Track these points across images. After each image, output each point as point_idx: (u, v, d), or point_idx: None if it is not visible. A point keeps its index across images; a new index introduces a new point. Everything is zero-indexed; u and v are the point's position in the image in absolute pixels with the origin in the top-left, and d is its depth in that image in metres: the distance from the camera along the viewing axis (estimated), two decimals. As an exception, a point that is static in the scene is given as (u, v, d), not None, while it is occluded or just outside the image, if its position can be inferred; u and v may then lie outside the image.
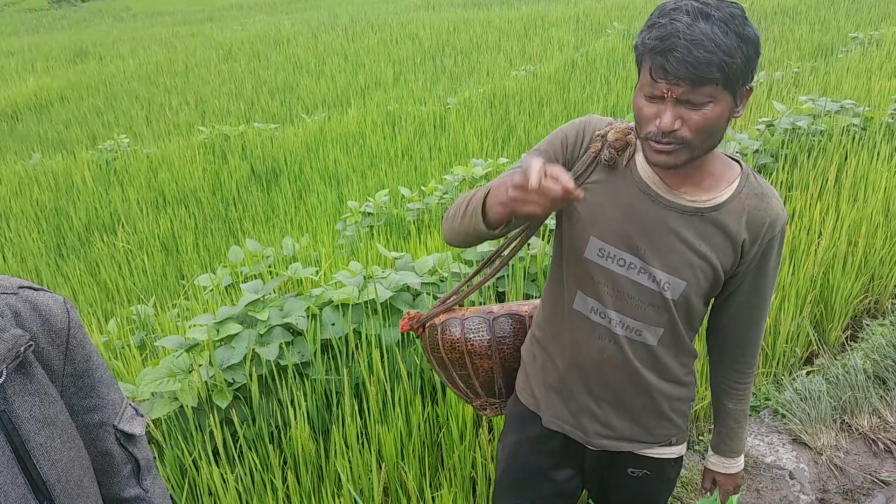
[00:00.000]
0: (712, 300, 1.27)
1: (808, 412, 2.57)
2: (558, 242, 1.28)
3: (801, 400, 2.63)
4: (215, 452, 2.09)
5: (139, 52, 14.81)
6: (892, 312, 3.18)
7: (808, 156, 4.05)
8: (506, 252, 1.41)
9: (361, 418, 2.23)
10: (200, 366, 2.14)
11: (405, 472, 2.05)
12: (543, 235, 2.91)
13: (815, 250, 3.07)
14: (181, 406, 2.06)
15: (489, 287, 2.58)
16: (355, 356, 2.30)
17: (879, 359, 2.79)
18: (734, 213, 1.14)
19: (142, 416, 1.01)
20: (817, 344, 2.98)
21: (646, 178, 1.15)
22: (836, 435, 2.52)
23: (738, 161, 1.19)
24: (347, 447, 2.07)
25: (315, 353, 2.24)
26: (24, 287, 0.84)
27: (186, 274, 4.79)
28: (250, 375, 2.12)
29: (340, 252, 4.04)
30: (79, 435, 0.90)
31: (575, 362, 1.28)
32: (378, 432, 2.09)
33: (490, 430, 2.21)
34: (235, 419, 2.01)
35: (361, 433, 2.18)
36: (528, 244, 2.70)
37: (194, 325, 2.27)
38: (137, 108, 10.38)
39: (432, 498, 2.04)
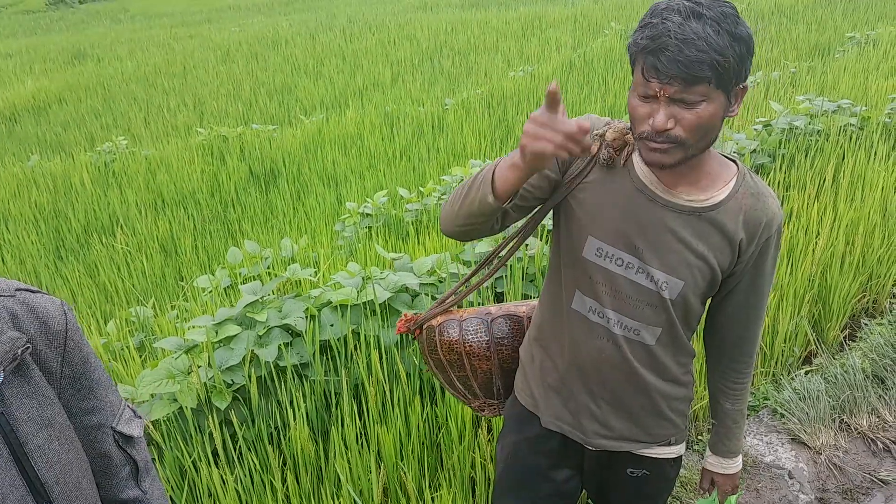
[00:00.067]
0: (709, 300, 1.28)
1: (807, 412, 2.57)
2: (556, 242, 1.28)
3: (800, 399, 2.63)
4: (215, 454, 2.09)
5: (137, 53, 14.80)
6: (891, 312, 3.18)
7: (806, 156, 4.05)
8: (503, 252, 1.42)
9: (360, 419, 2.23)
10: (199, 367, 2.14)
11: (404, 473, 2.05)
12: (541, 236, 2.91)
13: (813, 250, 3.07)
14: (180, 407, 2.06)
15: (487, 287, 2.58)
16: (354, 357, 2.30)
17: (878, 358, 2.80)
18: (731, 212, 1.14)
19: (140, 417, 1.01)
20: (816, 343, 2.98)
21: (643, 178, 1.15)
22: (835, 434, 2.52)
23: (734, 161, 1.19)
24: (347, 448, 2.07)
25: (314, 354, 2.24)
26: (22, 289, 0.85)
27: (185, 275, 4.79)
28: (249, 377, 2.12)
29: (339, 253, 4.04)
30: (77, 437, 0.90)
31: (574, 362, 1.29)
32: (377, 433, 2.09)
33: (489, 430, 2.22)
34: (235, 420, 2.01)
35: (361, 434, 2.18)
36: (526, 244, 2.70)
37: (193, 327, 2.27)
38: (136, 109, 10.38)
39: (431, 498, 2.04)
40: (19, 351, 0.79)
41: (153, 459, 2.02)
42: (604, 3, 14.93)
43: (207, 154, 7.15)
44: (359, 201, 5.11)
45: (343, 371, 2.21)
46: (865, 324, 3.11)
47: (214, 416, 2.03)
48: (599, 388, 1.29)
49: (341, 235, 4.53)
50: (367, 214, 4.58)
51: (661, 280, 1.16)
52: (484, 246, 2.72)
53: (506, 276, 2.61)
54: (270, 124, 8.44)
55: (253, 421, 2.14)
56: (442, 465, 2.18)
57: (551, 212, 1.27)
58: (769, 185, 3.71)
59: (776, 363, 2.84)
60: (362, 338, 2.30)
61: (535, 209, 1.28)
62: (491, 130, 7.28)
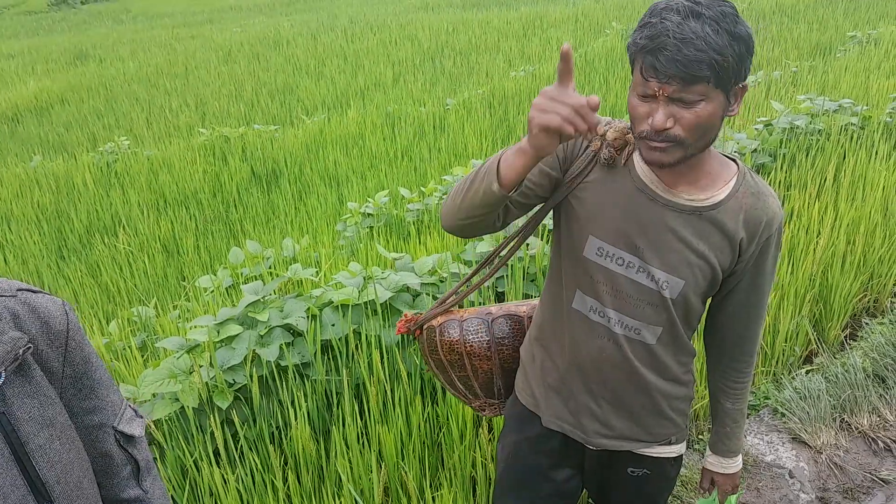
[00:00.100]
0: (710, 299, 1.28)
1: (808, 411, 2.57)
2: (557, 242, 1.29)
3: (801, 399, 2.63)
4: (216, 453, 2.10)
5: (139, 54, 14.82)
6: (892, 311, 3.18)
7: (807, 155, 4.05)
8: (504, 252, 1.42)
9: (362, 419, 2.24)
10: (201, 367, 2.15)
11: (405, 473, 2.05)
12: (542, 235, 2.91)
13: (814, 249, 3.07)
14: (182, 407, 2.07)
15: (489, 287, 2.59)
16: (355, 357, 2.30)
17: (879, 357, 2.79)
18: (732, 211, 1.15)
19: (141, 417, 1.01)
20: (816, 343, 2.98)
21: (644, 177, 1.15)
22: (836, 433, 2.52)
23: (734, 160, 1.19)
24: (348, 447, 2.07)
25: (315, 353, 2.25)
26: (23, 289, 0.85)
27: (187, 275, 4.80)
28: (251, 376, 2.13)
29: (340, 253, 4.04)
30: (78, 436, 0.90)
31: (574, 362, 1.29)
32: (378, 432, 2.10)
33: (490, 429, 2.22)
34: (236, 420, 2.02)
35: (362, 433, 2.18)
36: (527, 244, 2.71)
37: (195, 327, 2.28)
38: (138, 110, 10.39)
39: (432, 498, 2.05)
40: (21, 351, 0.79)
41: (155, 459, 2.03)
42: (605, 2, 14.92)
43: (209, 154, 7.16)
44: (360, 201, 5.11)
45: (344, 371, 2.22)
46: (866, 323, 3.11)
47: (216, 415, 2.04)
48: (600, 388, 1.29)
49: (343, 235, 4.53)
50: (369, 214, 4.59)
51: (662, 279, 1.17)
52: (485, 245, 2.72)
53: (507, 275, 2.61)
54: (272, 124, 8.44)
55: (254, 420, 2.15)
56: (443, 465, 2.19)
57: (551, 211, 1.28)
58: (770, 184, 3.71)
59: (777, 362, 2.84)
60: (363, 337, 2.30)
61: (536, 209, 1.28)
62: (492, 130, 7.28)
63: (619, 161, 1.17)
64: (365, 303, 2.38)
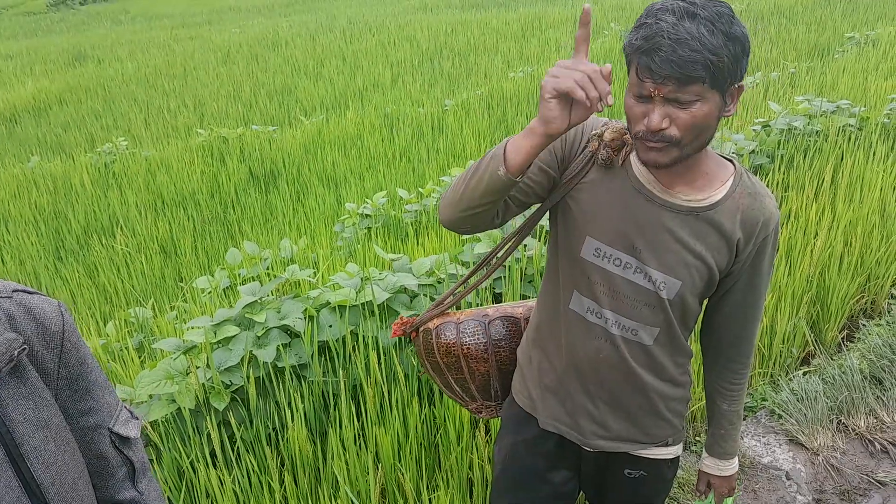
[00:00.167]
0: (707, 300, 1.28)
1: (805, 412, 2.58)
2: (554, 243, 1.29)
3: (798, 400, 2.63)
4: (213, 454, 2.10)
5: (137, 55, 14.81)
6: (889, 313, 3.19)
7: (804, 156, 4.05)
8: (501, 253, 1.42)
9: (359, 420, 2.23)
10: (198, 368, 2.15)
11: (402, 474, 2.05)
12: (539, 236, 2.91)
13: (812, 251, 3.08)
14: (179, 408, 2.07)
15: (486, 288, 2.59)
16: (352, 358, 2.30)
17: (876, 359, 2.80)
18: (728, 212, 1.15)
19: (137, 418, 1.01)
20: (814, 344, 2.98)
21: (641, 178, 1.16)
22: (833, 435, 2.52)
23: (731, 161, 1.20)
24: (345, 449, 2.07)
25: (312, 354, 2.25)
26: (18, 290, 0.85)
27: (185, 276, 4.79)
28: (248, 377, 2.12)
29: (338, 254, 4.04)
30: (73, 438, 0.90)
31: (571, 363, 1.29)
32: (375, 434, 2.09)
33: (487, 431, 2.22)
34: (233, 421, 2.02)
35: (359, 435, 2.18)
36: (525, 245, 2.71)
37: (192, 328, 2.28)
38: (136, 111, 10.38)
39: (429, 499, 2.05)
40: (16, 352, 0.79)
41: (151, 460, 2.03)
42: (603, 3, 14.93)
43: (207, 155, 7.16)
44: (358, 202, 5.11)
45: (341, 372, 2.22)
46: (863, 325, 3.11)
47: (213, 416, 2.03)
48: (597, 389, 1.29)
49: (340, 236, 4.53)
50: (367, 215, 4.59)
51: (659, 280, 1.17)
52: (482, 246, 2.72)
53: (504, 276, 2.61)
54: (270, 125, 8.44)
55: (251, 422, 2.15)
56: (440, 467, 2.18)
57: (548, 212, 1.28)
58: (768, 185, 3.72)
59: (774, 364, 2.84)
60: (360, 339, 2.30)
61: (533, 209, 1.28)
62: (491, 131, 7.28)
63: (617, 161, 1.17)
64: (362, 304, 2.38)
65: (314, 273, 2.84)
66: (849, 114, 4.53)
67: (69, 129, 9.88)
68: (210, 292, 3.22)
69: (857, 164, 3.82)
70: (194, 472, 2.00)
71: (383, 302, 2.38)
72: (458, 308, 1.57)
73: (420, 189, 4.81)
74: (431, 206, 4.45)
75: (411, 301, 2.46)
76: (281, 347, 2.20)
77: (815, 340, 3.00)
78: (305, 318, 2.33)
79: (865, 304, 3.26)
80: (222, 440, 2.07)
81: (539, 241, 2.81)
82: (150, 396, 2.11)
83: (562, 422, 1.34)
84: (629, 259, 1.17)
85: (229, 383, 2.14)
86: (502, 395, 1.54)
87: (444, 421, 2.17)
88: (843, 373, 2.72)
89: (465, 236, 3.04)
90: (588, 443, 1.34)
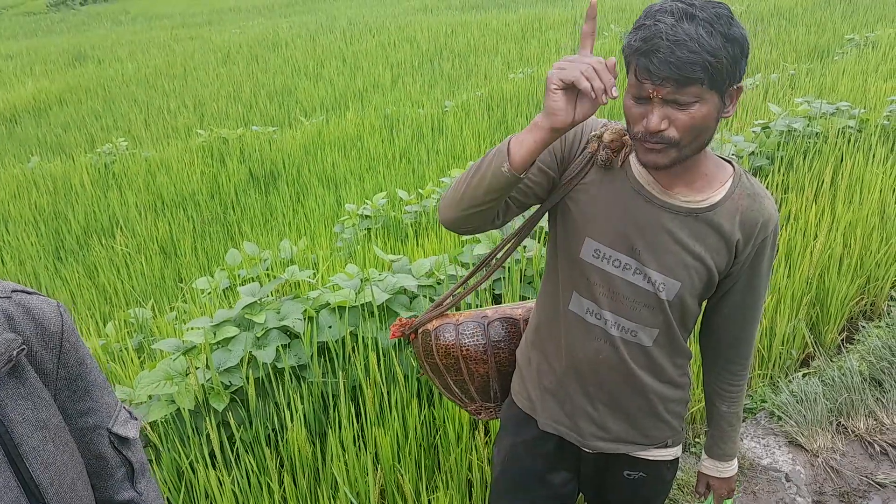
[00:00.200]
0: (706, 301, 1.28)
1: (805, 414, 2.58)
2: (553, 244, 1.29)
3: (797, 402, 2.63)
4: (212, 455, 2.10)
5: (138, 55, 14.81)
6: (888, 314, 3.19)
7: (804, 158, 4.06)
8: (500, 254, 1.42)
9: (358, 421, 2.23)
10: (197, 369, 2.15)
11: (401, 475, 2.05)
12: (539, 237, 2.91)
13: (811, 252, 3.08)
14: (178, 409, 2.07)
15: (485, 290, 2.59)
16: (352, 359, 2.30)
17: (875, 361, 2.80)
18: (728, 213, 1.15)
19: (136, 419, 1.01)
20: (813, 346, 2.98)
21: (640, 179, 1.16)
22: (833, 437, 2.52)
23: (730, 162, 1.20)
24: (344, 450, 2.07)
25: (312, 355, 2.25)
26: (18, 291, 0.85)
27: (184, 277, 4.79)
28: (247, 378, 2.12)
29: (338, 255, 4.04)
30: (72, 438, 0.90)
31: (571, 364, 1.29)
32: (374, 435, 2.09)
33: (486, 432, 2.22)
34: (232, 422, 2.02)
35: (358, 436, 2.18)
36: (524, 246, 2.71)
37: (191, 328, 2.28)
38: (136, 111, 10.38)
39: (428, 501, 2.05)
40: (14, 352, 0.79)
41: (150, 461, 2.03)
42: (603, 5, 14.94)
43: (207, 156, 7.15)
44: (358, 203, 5.12)
45: (341, 373, 2.22)
46: (863, 326, 3.11)
47: (212, 417, 2.03)
48: (596, 390, 1.29)
49: (340, 237, 4.53)
50: (367, 216, 4.59)
51: (659, 281, 1.17)
52: (482, 247, 2.72)
53: (504, 277, 2.61)
54: (270, 126, 8.44)
55: (250, 422, 2.15)
56: (439, 468, 2.18)
57: (548, 213, 1.28)
58: (767, 187, 3.72)
59: (774, 366, 2.84)
60: (360, 339, 2.30)
61: (533, 210, 1.28)
62: (490, 132, 7.29)
63: (616, 163, 1.18)
64: (362, 305, 2.38)
65: (314, 274, 2.84)
66: (848, 115, 4.54)
67: (69, 129, 9.88)
68: (210, 293, 3.22)
69: (857, 165, 3.82)
70: (193, 473, 1.99)
71: (383, 303, 2.38)
72: (458, 309, 1.57)
73: (420, 190, 4.81)
74: (431, 207, 4.45)
75: (411, 302, 2.46)
76: (280, 348, 2.20)
77: (815, 342, 3.00)
78: (305, 318, 2.33)
79: (865, 305, 3.26)
80: (221, 441, 2.07)
81: (538, 242, 2.81)
82: (150, 397, 2.10)
83: (561, 423, 1.34)
84: (629, 260, 1.17)
85: (229, 384, 2.14)
86: (501, 397, 1.54)
87: (444, 422, 2.17)
88: (843, 375, 2.72)
89: (464, 237, 3.04)
90: (587, 444, 1.34)
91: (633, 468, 1.37)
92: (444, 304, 1.50)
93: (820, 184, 3.77)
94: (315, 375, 2.24)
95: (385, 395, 2.17)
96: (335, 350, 2.28)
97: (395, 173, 6.33)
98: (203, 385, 2.09)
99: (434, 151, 6.85)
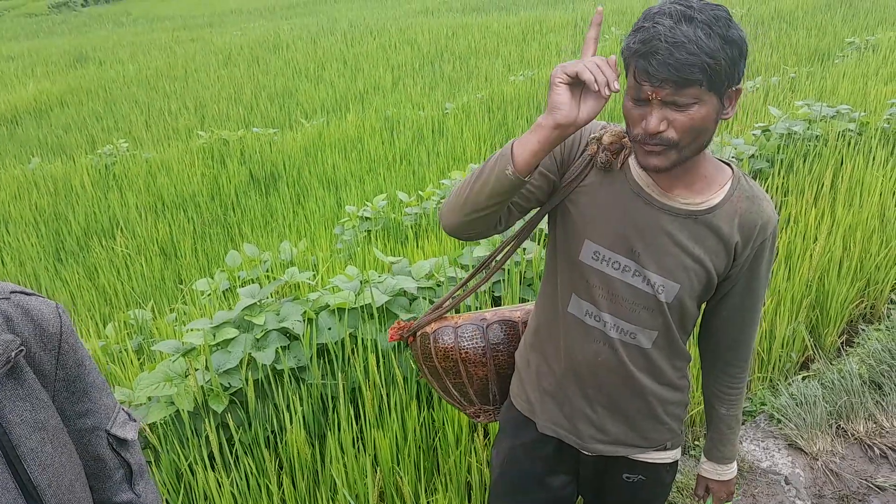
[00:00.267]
0: (705, 303, 1.28)
1: (804, 417, 2.57)
2: (552, 246, 1.29)
3: (797, 405, 2.63)
4: (211, 457, 2.09)
5: (139, 56, 14.84)
6: (888, 317, 3.18)
7: (804, 161, 4.06)
8: (500, 256, 1.42)
9: (357, 423, 2.23)
10: (197, 370, 2.15)
11: (401, 477, 2.05)
12: (539, 239, 2.91)
13: (811, 255, 3.07)
14: (177, 410, 2.07)
15: (485, 292, 2.59)
16: (351, 361, 2.30)
17: (875, 364, 2.79)
18: (727, 215, 1.15)
19: (135, 420, 1.01)
20: (813, 349, 2.98)
21: (640, 181, 1.16)
22: (832, 440, 2.52)
23: (729, 164, 1.20)
24: (343, 452, 2.07)
25: (311, 357, 2.24)
26: (16, 292, 0.85)
27: (184, 278, 4.79)
28: (246, 380, 2.12)
29: (338, 256, 4.04)
30: (71, 440, 0.90)
31: (570, 366, 1.29)
32: (374, 437, 2.09)
33: (486, 434, 2.22)
34: (231, 424, 2.02)
35: (357, 438, 2.18)
36: (524, 248, 2.71)
37: (191, 330, 2.28)
38: (137, 112, 10.40)
39: (427, 503, 2.04)
40: (13, 354, 0.79)
41: (149, 462, 2.03)
42: (604, 8, 14.94)
43: (208, 157, 7.16)
44: (358, 205, 5.12)
45: (340, 375, 2.22)
46: (863, 329, 3.11)
47: (211, 419, 2.03)
48: (595, 392, 1.29)
49: (340, 239, 4.53)
50: (367, 218, 4.59)
51: (658, 283, 1.17)
52: (482, 250, 2.72)
53: (503, 280, 2.61)
54: (271, 128, 8.45)
55: (249, 424, 2.15)
56: (438, 470, 2.18)
57: (547, 215, 1.28)
58: (767, 190, 3.72)
59: (773, 368, 2.84)
60: (359, 341, 2.30)
61: (532, 213, 1.28)
62: (491, 134, 7.29)
63: (616, 165, 1.18)
64: (361, 307, 2.38)
65: (314, 275, 2.85)
66: (848, 118, 4.54)
67: (70, 130, 9.89)
68: (209, 294, 3.23)
69: (857, 168, 3.82)
70: (192, 475, 1.99)
71: (382, 305, 2.38)
72: (457, 312, 1.57)
73: (420, 192, 4.81)
74: (431, 209, 4.46)
75: (410, 304, 2.46)
76: (280, 350, 2.20)
77: (815, 345, 3.00)
78: (304, 320, 2.33)
79: (865, 308, 3.26)
80: (221, 443, 2.07)
81: (538, 244, 2.81)
82: (149, 398, 2.10)
83: (560, 426, 1.34)
84: (628, 262, 1.17)
85: (228, 386, 2.14)
86: (500, 400, 1.54)
87: (443, 424, 2.16)
88: (843, 378, 2.72)
89: (464, 239, 3.03)
90: (586, 447, 1.34)
91: (632, 471, 1.37)
92: (444, 306, 1.50)
93: (820, 187, 3.77)
94: (314, 377, 2.24)
95: (384, 397, 2.17)
96: (335, 352, 2.28)
97: (395, 175, 6.34)
98: (202, 387, 2.09)
99: (434, 153, 6.85)
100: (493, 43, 12.69)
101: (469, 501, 2.13)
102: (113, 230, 5.82)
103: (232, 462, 2.03)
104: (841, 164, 4.02)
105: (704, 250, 1.16)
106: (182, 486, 2.00)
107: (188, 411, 2.03)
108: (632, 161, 1.17)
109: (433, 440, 2.22)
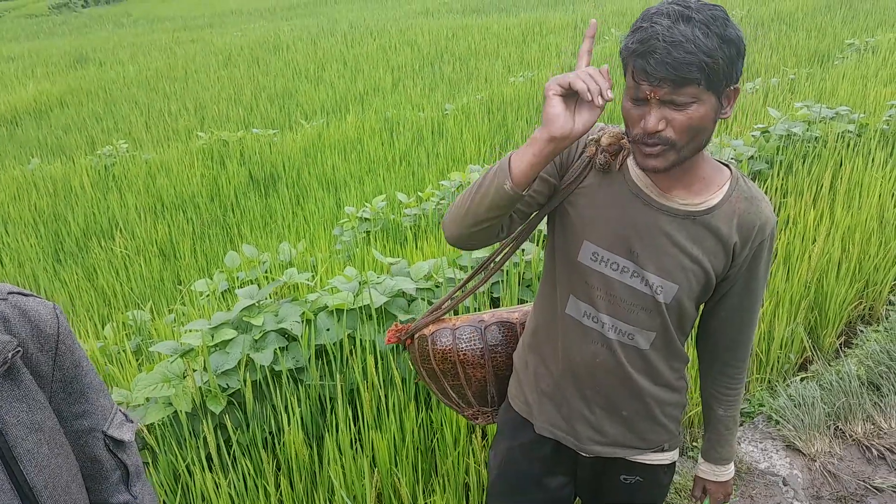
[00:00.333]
0: (703, 304, 1.28)
1: (802, 418, 2.57)
2: (551, 247, 1.29)
3: (795, 406, 2.63)
4: (209, 458, 2.09)
5: (139, 57, 14.84)
6: (887, 319, 3.18)
7: (803, 162, 4.06)
8: (498, 258, 1.42)
9: (355, 424, 2.23)
10: (195, 371, 2.15)
11: (398, 479, 2.05)
12: (538, 241, 2.91)
13: (810, 256, 3.08)
14: (175, 411, 2.06)
15: (484, 293, 2.59)
16: (349, 362, 2.30)
17: (873, 365, 2.80)
18: (725, 216, 1.15)
19: (132, 422, 1.01)
20: (811, 350, 2.98)
21: (638, 182, 1.16)
22: (830, 441, 2.52)
23: (727, 165, 1.20)
24: (341, 453, 2.07)
25: (309, 358, 2.24)
26: (14, 293, 0.85)
27: (183, 279, 4.79)
28: (244, 381, 2.12)
29: (337, 257, 4.04)
30: (67, 441, 0.90)
31: (568, 367, 1.29)
32: (372, 438, 2.09)
33: (484, 436, 2.22)
34: (229, 425, 2.02)
35: (355, 439, 2.18)
36: (523, 250, 2.71)
37: (189, 331, 2.28)
38: (137, 113, 10.40)
39: (426, 504, 2.04)
40: (10, 354, 0.79)
41: (147, 463, 2.03)
42: (603, 9, 14.96)
43: (208, 158, 7.16)
44: (358, 206, 5.12)
45: (338, 376, 2.22)
46: (861, 331, 3.11)
47: (209, 420, 2.03)
48: (593, 394, 1.29)
49: (339, 240, 4.53)
50: (366, 219, 4.59)
51: (656, 284, 1.17)
52: (480, 251, 2.72)
53: (502, 281, 2.61)
54: (271, 129, 8.45)
55: (247, 425, 2.15)
56: (436, 471, 2.18)
57: (546, 217, 1.28)
58: (766, 191, 3.72)
59: (772, 369, 2.84)
60: (358, 342, 2.30)
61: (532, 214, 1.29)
62: (491, 136, 7.29)
63: (614, 166, 1.18)
64: (360, 308, 2.38)
65: (312, 276, 2.85)
66: (848, 120, 4.54)
67: (70, 131, 9.90)
68: (208, 295, 3.23)
69: (856, 170, 3.83)
70: (190, 476, 1.99)
71: (381, 306, 2.38)
72: (455, 313, 1.57)
73: (419, 193, 4.81)
74: (430, 210, 4.46)
75: (409, 305, 2.46)
76: (278, 351, 2.20)
77: (813, 346, 3.00)
78: (303, 321, 2.33)
79: (863, 309, 3.26)
80: (218, 444, 2.07)
81: (537, 245, 2.81)
82: (147, 399, 2.10)
83: (558, 427, 1.34)
84: (627, 263, 1.18)
85: (226, 387, 2.14)
86: (498, 401, 1.54)
87: (441, 425, 2.16)
88: (841, 379, 2.72)
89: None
90: (584, 448, 1.34)
91: (629, 472, 1.37)
92: (443, 307, 1.50)
93: (819, 188, 3.77)
94: (312, 378, 2.24)
95: (382, 398, 2.17)
96: (333, 353, 2.28)
97: (394, 176, 6.34)
98: (200, 388, 2.09)
99: (434, 155, 6.86)
100: (492, 44, 12.70)
101: (467, 502, 2.13)
102: (112, 231, 5.82)
103: (230, 463, 2.03)
104: (840, 165, 4.02)
105: (703, 251, 1.16)
106: (180, 487, 2.00)
107: (186, 412, 2.03)
108: (630, 162, 1.18)
109: (431, 441, 2.22)
